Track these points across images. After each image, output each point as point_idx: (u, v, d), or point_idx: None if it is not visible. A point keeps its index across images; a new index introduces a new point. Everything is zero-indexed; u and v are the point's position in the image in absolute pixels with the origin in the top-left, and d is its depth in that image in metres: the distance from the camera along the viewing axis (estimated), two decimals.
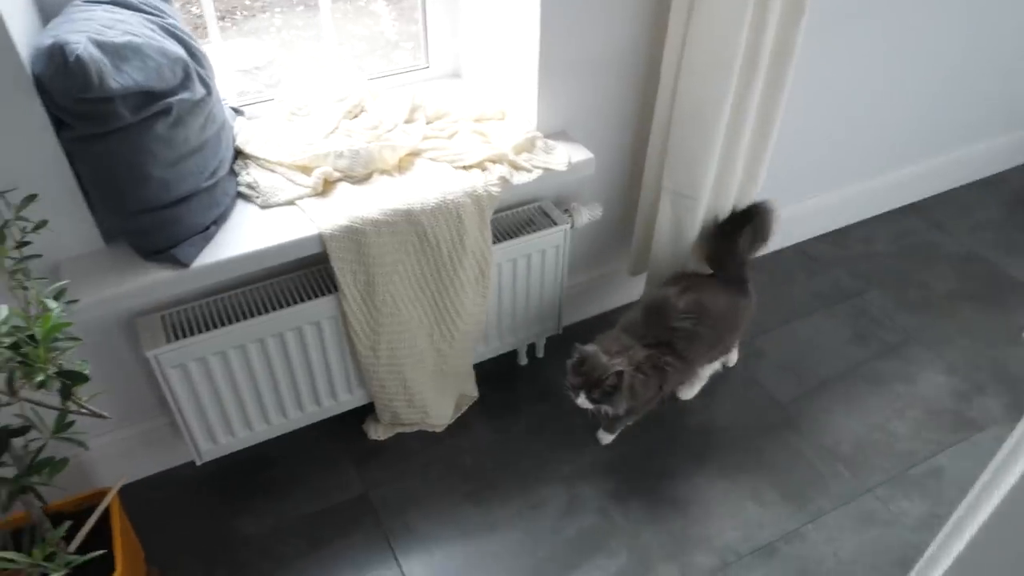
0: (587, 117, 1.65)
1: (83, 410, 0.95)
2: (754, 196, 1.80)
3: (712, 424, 1.79)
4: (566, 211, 1.70)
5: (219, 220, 1.39)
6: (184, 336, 1.39)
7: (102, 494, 1.22)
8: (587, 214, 1.71)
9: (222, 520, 1.58)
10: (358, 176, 1.48)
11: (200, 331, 1.40)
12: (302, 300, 1.46)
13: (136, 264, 1.32)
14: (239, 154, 1.50)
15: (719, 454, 1.73)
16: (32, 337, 0.86)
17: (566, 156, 1.57)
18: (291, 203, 1.44)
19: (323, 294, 1.47)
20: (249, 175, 1.47)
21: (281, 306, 1.45)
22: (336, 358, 1.56)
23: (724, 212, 1.76)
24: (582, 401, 1.53)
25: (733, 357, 1.92)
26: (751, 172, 1.75)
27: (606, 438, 1.75)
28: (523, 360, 1.93)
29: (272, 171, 1.48)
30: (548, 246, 1.67)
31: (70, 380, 0.89)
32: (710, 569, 1.51)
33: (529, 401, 1.84)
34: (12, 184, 1.13)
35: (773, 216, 1.75)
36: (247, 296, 1.47)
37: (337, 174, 1.47)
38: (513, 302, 1.73)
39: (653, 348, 1.58)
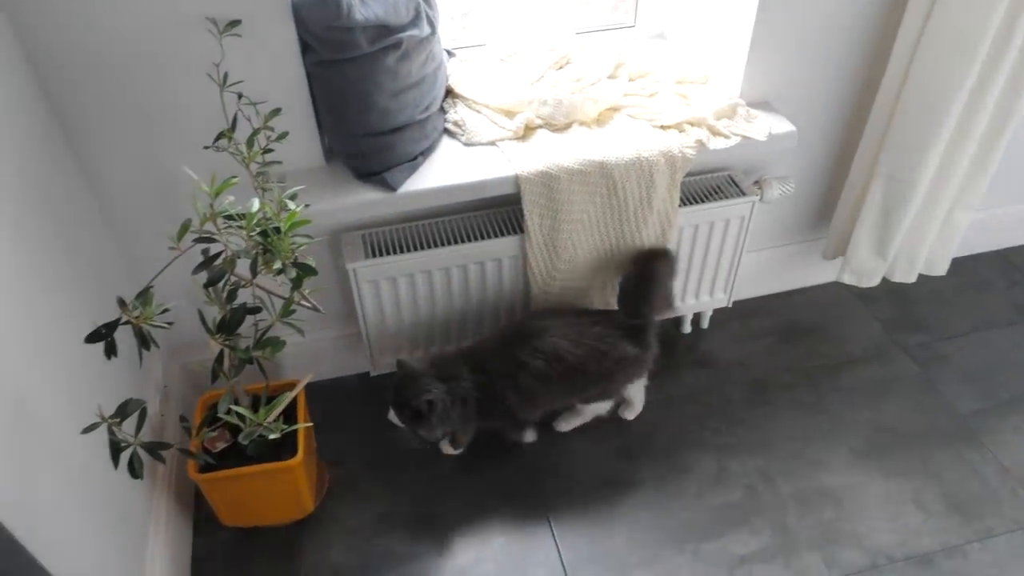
0: (795, 89, 1.60)
1: (305, 303, 1.07)
2: (981, 190, 1.68)
3: (880, 422, 1.72)
4: (756, 183, 1.66)
5: (426, 152, 1.49)
6: (381, 255, 1.51)
7: (292, 384, 1.36)
8: (778, 189, 1.66)
9: (386, 431, 1.71)
10: (558, 125, 1.53)
11: (395, 253, 1.51)
12: (489, 237, 1.54)
13: (350, 183, 1.45)
14: (449, 93, 1.59)
15: (883, 453, 1.66)
16: (277, 229, 0.97)
17: (767, 127, 1.53)
18: (492, 144, 1.51)
19: (509, 233, 1.54)
20: (456, 113, 1.55)
21: (469, 240, 1.54)
22: (509, 295, 1.64)
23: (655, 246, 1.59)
24: (392, 417, 1.48)
25: (635, 407, 1.71)
26: (982, 163, 1.64)
27: (448, 449, 1.66)
28: (686, 328, 1.93)
29: (478, 112, 1.56)
30: (732, 216, 1.64)
31: (303, 271, 1.00)
32: (858, 567, 1.47)
33: (686, 369, 1.85)
34: (263, 97, 1.27)
35: (669, 277, 1.59)
36: (439, 226, 1.57)
37: (538, 121, 1.53)
38: (687, 268, 1.73)
39: (493, 378, 1.47)
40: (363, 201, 1.42)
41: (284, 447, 1.40)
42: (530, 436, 1.66)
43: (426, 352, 1.68)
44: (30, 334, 1.06)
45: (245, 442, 1.00)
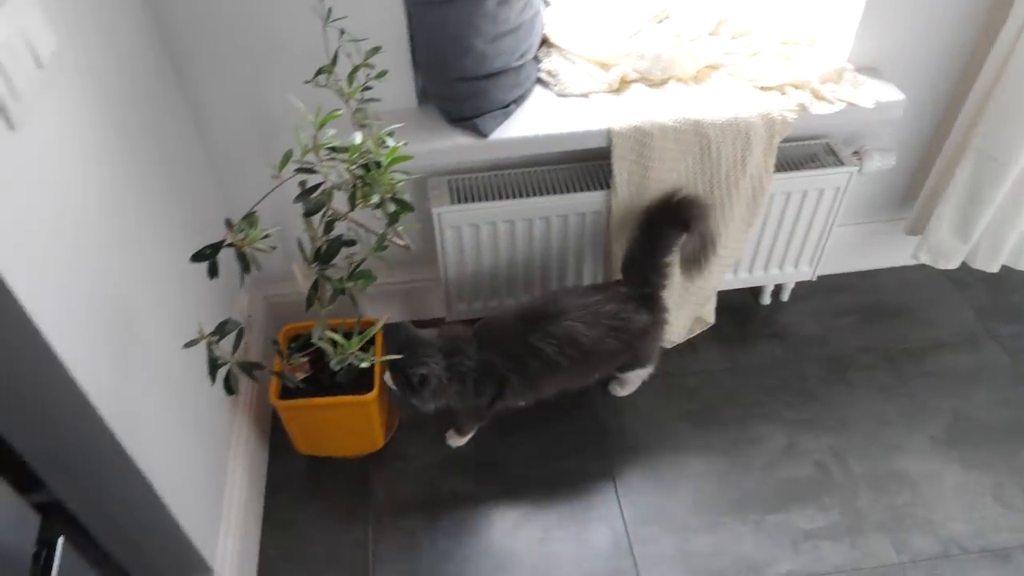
0: (907, 55, 1.52)
1: (397, 240, 1.08)
2: None
3: (963, 411, 1.66)
4: (855, 153, 1.60)
5: (518, 100, 1.48)
6: (466, 202, 1.51)
7: (370, 323, 1.39)
8: (879, 161, 1.60)
9: None
10: (654, 80, 1.50)
11: (480, 200, 1.51)
12: (575, 191, 1.53)
13: (441, 127, 1.45)
14: (544, 42, 1.57)
15: (965, 443, 1.60)
16: (377, 164, 0.99)
17: (875, 94, 1.47)
18: (585, 96, 1.49)
19: (595, 188, 1.53)
20: (551, 63, 1.53)
21: (555, 192, 1.53)
22: (589, 250, 1.63)
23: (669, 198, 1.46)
24: (387, 379, 1.43)
25: (631, 382, 1.67)
26: None
27: (456, 440, 1.61)
28: (766, 300, 1.89)
29: (573, 63, 1.53)
30: (828, 187, 1.59)
31: (400, 207, 1.01)
32: (929, 555, 1.43)
33: (763, 340, 1.81)
34: (364, 35, 1.27)
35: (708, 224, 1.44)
36: (525, 177, 1.56)
37: (634, 75, 1.50)
38: (775, 237, 1.68)
39: (499, 359, 1.42)
40: (454, 145, 1.43)
41: (359, 383, 1.44)
42: (455, 440, 1.62)
43: (501, 303, 1.69)
44: (136, 255, 1.10)
45: (337, 368, 1.03)
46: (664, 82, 1.50)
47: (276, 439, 1.64)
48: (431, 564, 1.45)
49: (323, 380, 1.45)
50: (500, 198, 1.52)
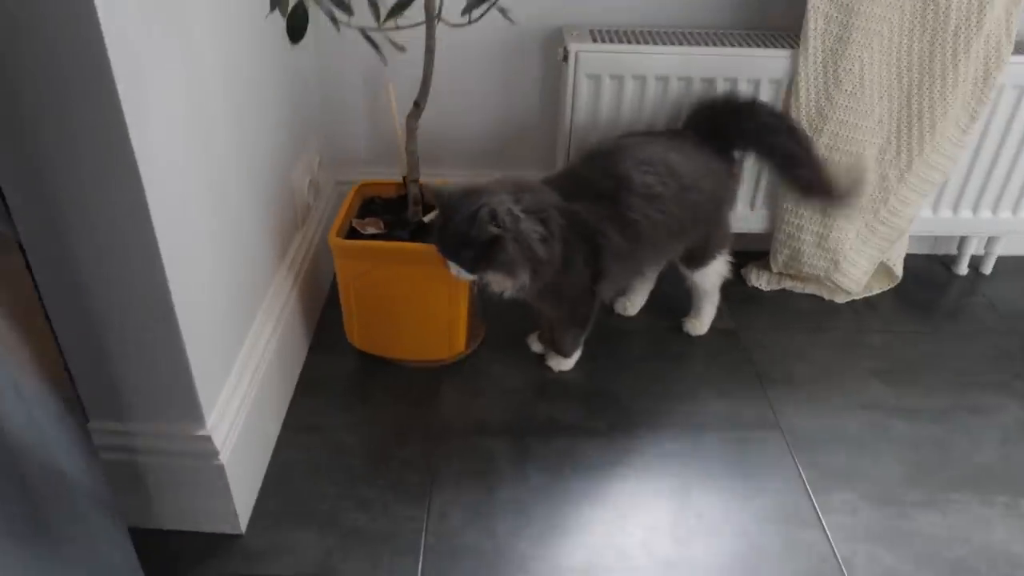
0: None
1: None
2: None
3: None
4: None
5: None
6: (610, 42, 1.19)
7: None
8: None
9: None
10: None
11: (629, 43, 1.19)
12: (750, 46, 1.20)
13: None
14: None
15: None
16: None
17: None
18: None
19: (778, 46, 1.20)
20: None
21: (724, 45, 1.20)
22: None
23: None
24: (455, 271, 1.00)
25: (703, 317, 1.27)
26: None
27: (559, 362, 1.20)
28: (962, 269, 1.46)
29: None
30: None
31: None
32: None
33: (967, 307, 1.37)
34: None
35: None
36: (691, 35, 1.24)
37: None
38: (995, 158, 1.29)
39: (588, 206, 1.03)
40: None
41: None
42: (560, 362, 1.20)
43: None
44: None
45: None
46: None
47: (322, 337, 1.24)
48: (517, 496, 0.98)
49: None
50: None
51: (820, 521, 0.97)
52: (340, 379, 1.17)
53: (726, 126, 1.14)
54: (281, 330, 1.07)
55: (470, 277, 1.01)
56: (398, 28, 0.87)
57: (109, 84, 0.63)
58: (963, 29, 1.14)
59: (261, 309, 1.03)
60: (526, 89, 1.32)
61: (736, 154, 1.17)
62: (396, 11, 0.87)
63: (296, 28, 0.69)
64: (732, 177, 1.18)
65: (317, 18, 0.83)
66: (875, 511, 0.99)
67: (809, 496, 1.00)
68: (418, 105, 1.05)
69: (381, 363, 1.19)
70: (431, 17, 0.97)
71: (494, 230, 0.94)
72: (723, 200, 1.15)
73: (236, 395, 0.92)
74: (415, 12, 0.89)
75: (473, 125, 1.35)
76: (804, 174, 1.12)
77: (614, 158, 1.07)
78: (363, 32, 0.86)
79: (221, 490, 0.88)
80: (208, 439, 0.85)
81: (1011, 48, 1.17)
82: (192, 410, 0.84)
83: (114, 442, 0.85)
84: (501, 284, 1.03)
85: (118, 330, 0.78)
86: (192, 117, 0.79)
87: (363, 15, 0.86)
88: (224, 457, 0.86)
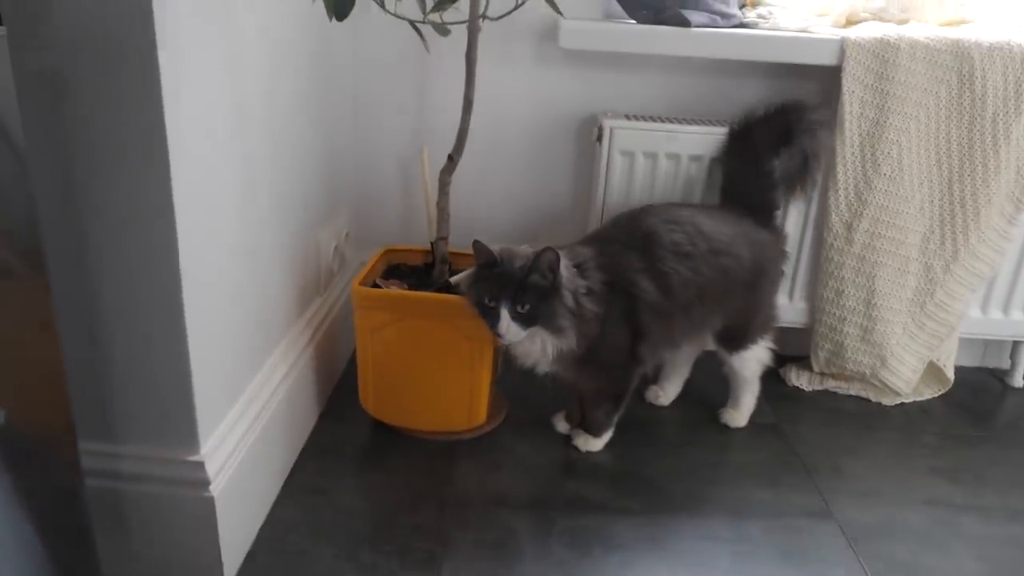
0: None
1: None
2: None
3: None
4: None
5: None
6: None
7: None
8: None
9: None
10: (891, 19, 1.24)
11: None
12: None
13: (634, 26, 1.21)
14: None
15: None
16: None
17: None
18: (802, 31, 1.24)
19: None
20: (766, 9, 1.31)
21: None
22: (795, 226, 1.24)
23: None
24: (505, 326, 0.92)
25: (742, 408, 1.18)
26: None
27: (587, 441, 1.09)
28: (1017, 381, 1.37)
29: (785, 8, 1.31)
30: None
31: None
32: None
33: (1022, 421, 1.27)
34: None
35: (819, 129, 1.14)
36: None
37: (865, 15, 1.25)
38: None
39: (619, 262, 1.00)
40: (650, 33, 1.17)
41: None
42: (589, 443, 1.10)
43: None
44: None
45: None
46: (903, 22, 1.24)
47: (335, 406, 1.16)
48: (540, 571, 0.86)
49: None
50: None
51: None
52: (350, 445, 1.08)
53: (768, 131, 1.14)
54: (291, 383, 1.00)
55: (518, 334, 0.94)
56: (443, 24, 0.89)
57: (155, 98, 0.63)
58: (1001, 115, 1.15)
59: (274, 355, 0.97)
60: (560, 172, 1.33)
61: (775, 216, 1.15)
62: (443, 3, 0.89)
63: (341, 4, 0.69)
64: (776, 249, 1.14)
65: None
66: None
67: None
68: (452, 159, 1.05)
69: (396, 434, 1.10)
70: (471, 64, 0.99)
71: (558, 273, 0.92)
72: (764, 273, 1.10)
73: (236, 430, 0.84)
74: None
75: (505, 206, 1.35)
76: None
77: (640, 217, 1.05)
78: (410, 22, 0.88)
79: (208, 530, 0.78)
80: (201, 466, 0.77)
81: None
82: (188, 433, 0.76)
83: (101, 466, 0.77)
84: (535, 353, 0.99)
85: (123, 341, 0.73)
86: (231, 130, 0.79)
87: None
88: (216, 490, 0.77)
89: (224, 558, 0.80)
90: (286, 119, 0.96)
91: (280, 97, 0.93)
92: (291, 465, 1.01)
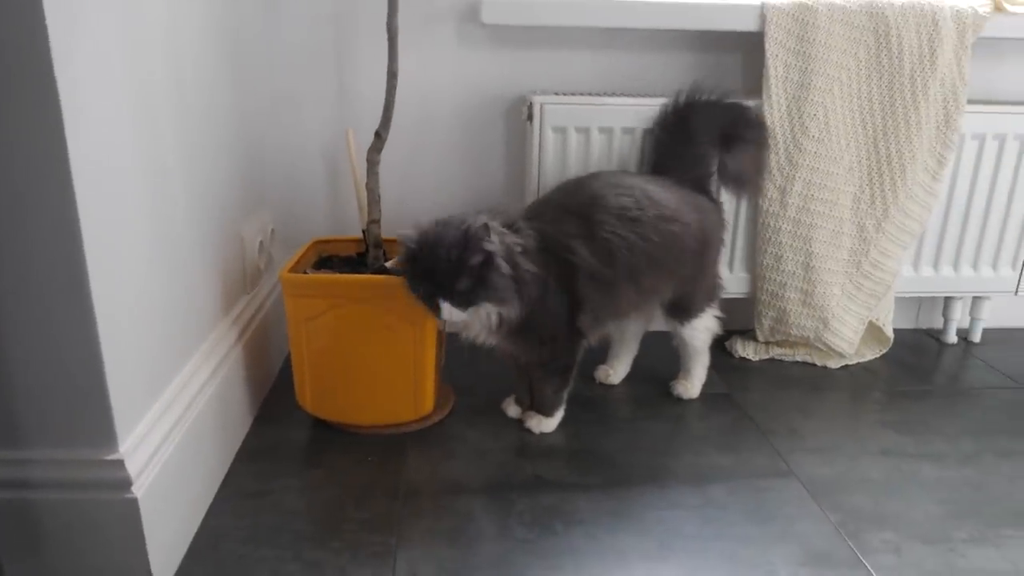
0: None
1: None
2: None
3: None
4: None
5: None
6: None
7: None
8: None
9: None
10: None
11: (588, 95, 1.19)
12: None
13: None
14: None
15: None
16: None
17: None
18: None
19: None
20: None
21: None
22: (729, 196, 1.23)
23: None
24: (447, 313, 0.89)
25: (693, 380, 1.17)
26: None
27: (539, 422, 1.06)
28: (950, 338, 1.40)
29: None
30: None
31: None
32: None
33: (968, 370, 1.29)
34: None
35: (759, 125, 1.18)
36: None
37: None
38: (965, 215, 1.28)
39: (558, 228, 0.97)
40: (575, 5, 1.16)
41: None
42: (541, 423, 1.06)
43: None
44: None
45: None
46: None
47: (270, 409, 1.09)
48: (503, 554, 0.81)
49: None
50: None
51: (861, 561, 0.81)
52: (289, 446, 1.01)
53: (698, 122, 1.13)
54: (220, 382, 0.93)
55: (462, 316, 0.90)
56: None
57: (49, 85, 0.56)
58: (919, 72, 1.18)
59: (198, 353, 0.90)
60: (492, 153, 1.30)
61: (713, 185, 1.15)
62: None
63: None
64: (718, 216, 1.14)
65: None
66: (923, 549, 0.84)
67: (843, 538, 0.85)
68: (380, 135, 1.01)
69: (338, 431, 1.04)
70: (393, 33, 0.95)
71: (489, 246, 0.87)
72: (709, 241, 1.09)
73: (159, 428, 0.77)
74: None
75: (437, 190, 1.30)
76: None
77: (587, 182, 1.02)
78: None
79: (134, 536, 0.70)
80: (120, 464, 0.69)
81: (963, 91, 1.20)
82: (104, 431, 0.69)
83: (6, 475, 0.69)
84: (478, 325, 0.94)
85: (26, 335, 0.65)
86: (136, 120, 0.73)
87: None
88: (139, 491, 0.70)
89: (153, 567, 0.72)
90: (197, 110, 0.90)
91: (189, 88, 0.87)
92: (226, 469, 0.94)
